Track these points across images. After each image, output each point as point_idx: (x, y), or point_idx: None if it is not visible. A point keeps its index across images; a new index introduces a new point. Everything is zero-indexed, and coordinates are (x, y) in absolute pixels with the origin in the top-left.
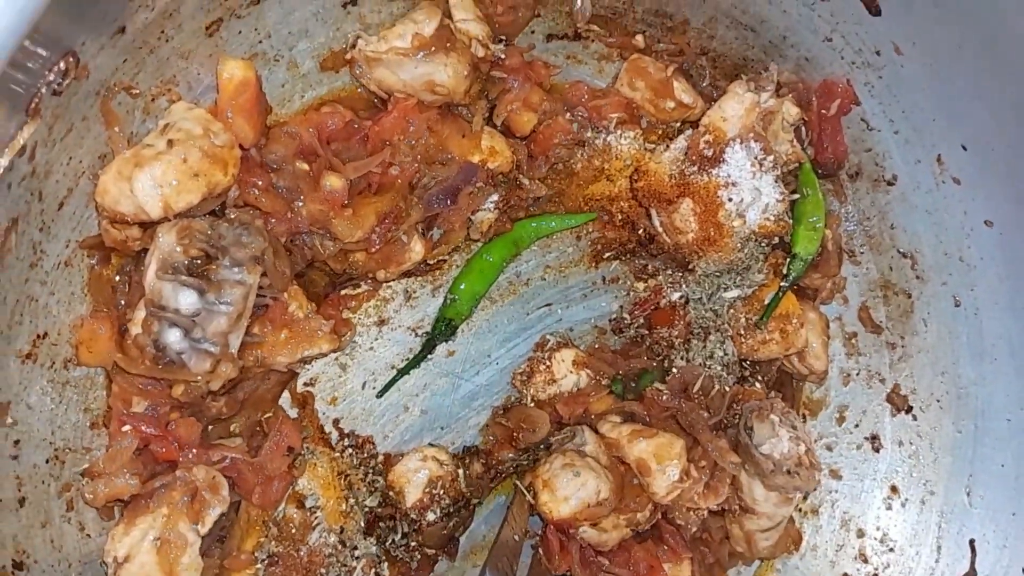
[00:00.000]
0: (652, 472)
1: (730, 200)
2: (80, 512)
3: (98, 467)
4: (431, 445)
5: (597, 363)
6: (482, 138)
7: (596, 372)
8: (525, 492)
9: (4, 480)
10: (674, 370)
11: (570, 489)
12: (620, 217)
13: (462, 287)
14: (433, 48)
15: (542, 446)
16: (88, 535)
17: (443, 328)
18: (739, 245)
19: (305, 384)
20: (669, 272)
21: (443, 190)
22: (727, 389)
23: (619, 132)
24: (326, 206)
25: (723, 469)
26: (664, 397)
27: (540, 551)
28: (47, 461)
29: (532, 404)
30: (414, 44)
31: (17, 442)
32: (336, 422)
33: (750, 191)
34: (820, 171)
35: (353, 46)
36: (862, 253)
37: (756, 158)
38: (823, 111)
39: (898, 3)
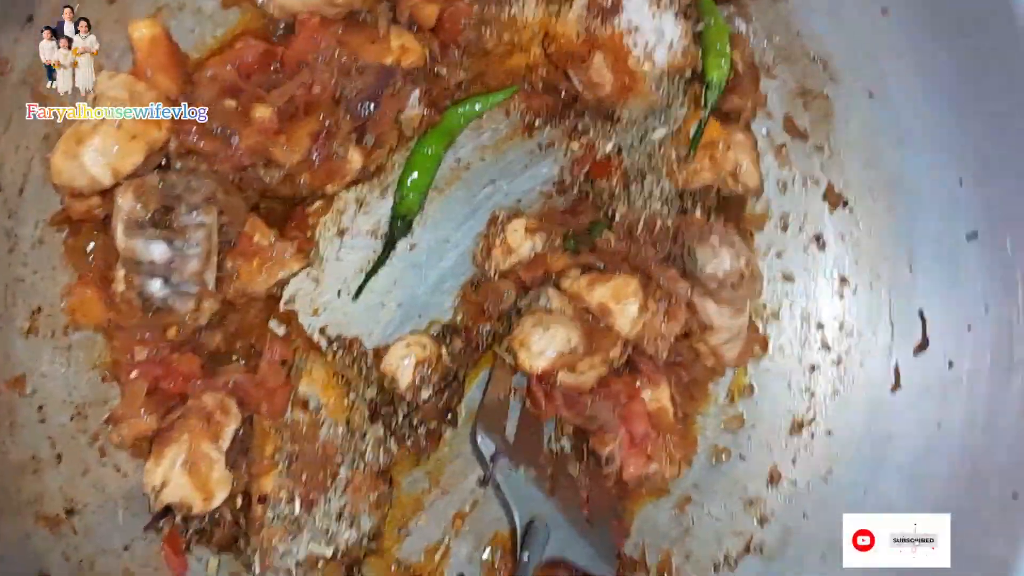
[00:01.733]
0: (613, 312)
1: (635, 45)
2: (113, 456)
3: (117, 413)
4: (412, 332)
5: (548, 225)
6: (391, 39)
7: (548, 234)
8: (504, 355)
9: (39, 442)
10: (618, 216)
11: (543, 343)
12: (541, 84)
13: (408, 184)
14: None
15: (513, 312)
16: (125, 475)
17: (399, 225)
18: (654, 86)
19: (286, 303)
20: (598, 126)
21: (365, 97)
22: (669, 224)
23: (521, 2)
24: (261, 136)
25: (677, 296)
26: (613, 243)
27: (528, 403)
28: (71, 419)
29: (496, 276)
30: None
31: (40, 407)
32: (322, 330)
33: (653, 32)
34: None
35: None
36: (777, 66)
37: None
38: None
39: None
